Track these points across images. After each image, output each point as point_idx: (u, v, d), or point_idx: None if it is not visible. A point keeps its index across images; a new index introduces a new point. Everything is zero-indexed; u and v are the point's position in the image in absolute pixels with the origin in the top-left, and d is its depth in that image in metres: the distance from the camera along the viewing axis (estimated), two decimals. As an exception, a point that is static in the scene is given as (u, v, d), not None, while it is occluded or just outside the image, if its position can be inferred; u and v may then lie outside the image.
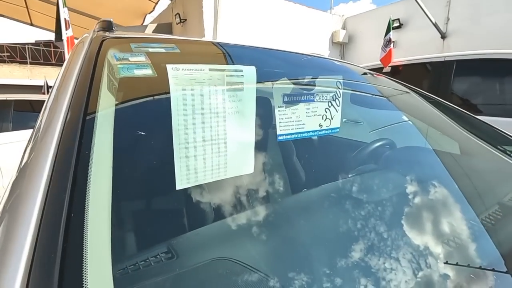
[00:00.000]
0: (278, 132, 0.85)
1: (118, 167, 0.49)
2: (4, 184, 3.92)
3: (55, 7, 8.34)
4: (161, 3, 6.70)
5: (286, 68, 1.15)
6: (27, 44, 25.13)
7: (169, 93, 0.59)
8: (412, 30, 5.83)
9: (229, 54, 0.97)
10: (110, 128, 0.54)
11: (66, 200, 0.38)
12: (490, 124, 1.19)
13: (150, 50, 0.72)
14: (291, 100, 0.93)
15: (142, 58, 0.65)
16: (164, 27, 6.10)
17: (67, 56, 1.51)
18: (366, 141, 1.27)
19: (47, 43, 25.71)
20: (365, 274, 0.55)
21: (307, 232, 0.73)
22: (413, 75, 3.00)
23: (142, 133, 0.64)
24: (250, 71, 0.77)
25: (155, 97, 0.69)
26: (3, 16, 9.35)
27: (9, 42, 24.34)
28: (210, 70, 0.72)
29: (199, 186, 0.67)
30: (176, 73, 0.64)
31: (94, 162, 0.45)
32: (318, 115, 0.98)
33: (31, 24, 9.71)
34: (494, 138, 1.17)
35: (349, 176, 1.00)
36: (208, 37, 5.14)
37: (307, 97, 0.98)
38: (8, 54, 24.98)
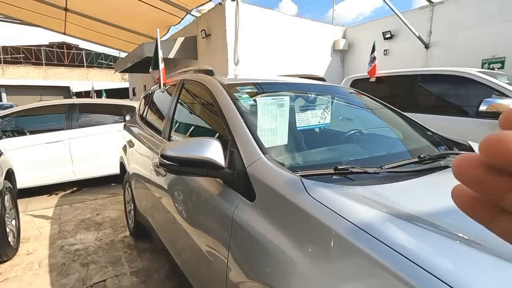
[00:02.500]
0: (297, 125, 1.83)
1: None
2: (75, 169, 4.91)
3: (91, 20, 9.25)
4: (186, 18, 7.73)
5: (302, 90, 2.14)
6: (42, 46, 26.10)
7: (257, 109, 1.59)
8: (401, 40, 6.76)
9: (277, 87, 1.97)
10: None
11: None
12: (420, 122, 2.15)
13: (246, 90, 1.71)
14: (304, 109, 1.92)
15: (247, 96, 1.65)
16: (190, 40, 7.14)
17: (161, 80, 2.52)
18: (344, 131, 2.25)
19: (60, 45, 26.66)
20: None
21: None
22: (391, 83, 3.99)
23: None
24: (286, 98, 1.76)
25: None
26: (39, 26, 10.40)
27: (25, 44, 25.23)
28: (272, 99, 1.72)
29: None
30: (260, 101, 1.64)
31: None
32: (318, 116, 1.97)
33: (64, 33, 10.77)
34: (421, 129, 2.13)
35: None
36: (230, 49, 6.15)
37: (312, 107, 1.98)
38: (23, 55, 25.98)
